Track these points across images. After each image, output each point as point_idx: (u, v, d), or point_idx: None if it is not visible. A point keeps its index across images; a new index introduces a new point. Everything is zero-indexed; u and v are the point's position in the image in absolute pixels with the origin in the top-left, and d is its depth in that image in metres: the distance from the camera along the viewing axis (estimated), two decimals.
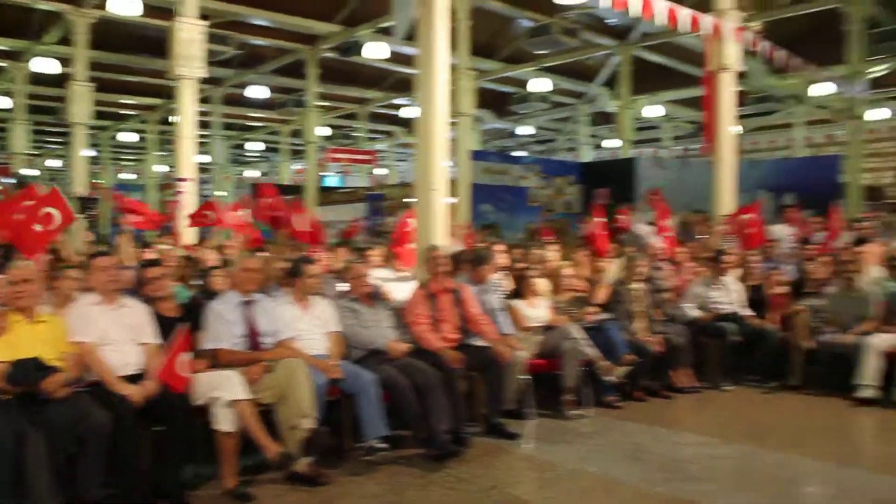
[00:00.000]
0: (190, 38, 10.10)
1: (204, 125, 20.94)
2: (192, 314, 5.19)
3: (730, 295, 7.98)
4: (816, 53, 15.04)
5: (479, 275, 6.46)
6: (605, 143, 26.65)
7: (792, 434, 6.29)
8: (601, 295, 7.31)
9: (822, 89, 17.68)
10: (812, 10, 15.63)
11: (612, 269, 7.81)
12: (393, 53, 17.28)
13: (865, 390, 6.88)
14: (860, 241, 8.81)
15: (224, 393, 4.60)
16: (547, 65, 19.67)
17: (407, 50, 14.47)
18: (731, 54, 11.05)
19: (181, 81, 10.24)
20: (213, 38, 13.32)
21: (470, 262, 6.54)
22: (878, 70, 17.23)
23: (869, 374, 6.88)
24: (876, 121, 20.10)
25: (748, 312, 7.93)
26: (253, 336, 5.15)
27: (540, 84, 20.81)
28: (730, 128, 11.09)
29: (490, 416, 5.91)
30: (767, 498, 4.68)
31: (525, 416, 6.21)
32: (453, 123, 13.05)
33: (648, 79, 19.67)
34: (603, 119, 23.63)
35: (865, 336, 7.02)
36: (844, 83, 15.97)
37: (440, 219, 7.10)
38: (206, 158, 26.57)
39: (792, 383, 7.47)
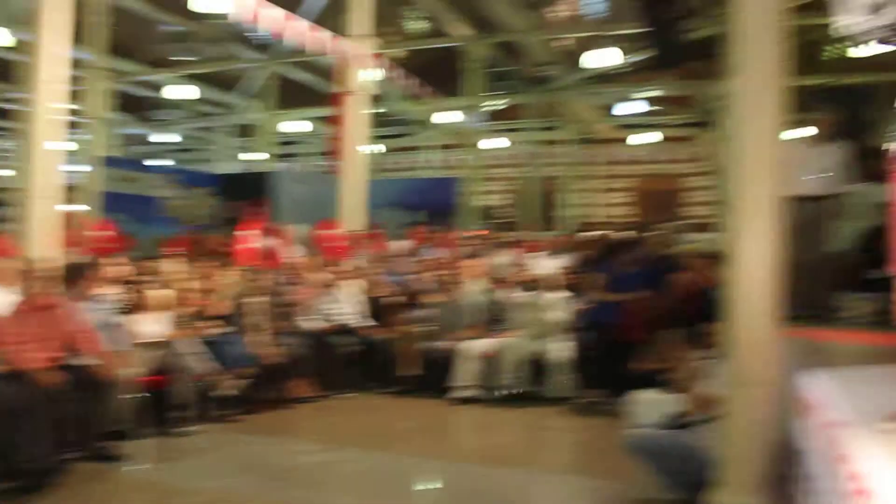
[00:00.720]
0: None
1: None
2: None
3: (350, 306, 8.41)
4: (444, 84, 16.48)
5: (85, 288, 6.07)
6: (249, 156, 26.48)
7: (400, 435, 6.80)
8: (222, 308, 7.26)
9: (448, 117, 19.36)
10: (441, 46, 17.09)
11: (235, 281, 7.79)
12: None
13: (465, 391, 7.66)
14: (469, 256, 9.74)
15: None
16: (192, 72, 19.15)
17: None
18: (364, 78, 11.64)
19: None
20: None
21: (77, 276, 6.12)
22: (497, 104, 19.31)
23: (468, 375, 7.66)
24: (495, 148, 22.37)
25: (367, 323, 8.41)
26: None
27: (184, 91, 20.15)
28: (360, 147, 11.64)
29: (93, 439, 5.56)
30: (372, 496, 4.99)
31: (135, 437, 5.92)
32: (75, 124, 12.13)
33: (294, 94, 20.00)
34: (247, 131, 23.52)
35: (466, 341, 7.81)
36: (466, 113, 17.64)
37: (48, 229, 6.57)
38: None
39: (403, 388, 8.05)
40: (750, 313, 4.29)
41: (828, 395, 3.31)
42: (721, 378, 4.42)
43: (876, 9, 2.35)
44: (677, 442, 4.43)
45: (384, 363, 8.18)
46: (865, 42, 2.61)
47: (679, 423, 4.59)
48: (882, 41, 2.55)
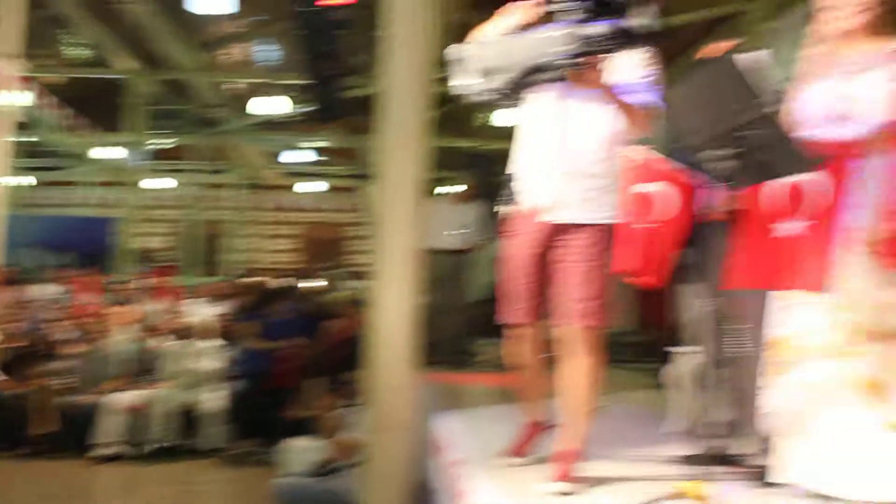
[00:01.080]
0: None
1: None
2: None
3: None
4: (106, 118, 15.45)
5: None
6: None
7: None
8: None
9: (108, 153, 18.16)
10: (102, 77, 16.03)
11: None
12: None
13: (109, 447, 7.14)
14: (119, 302, 9.17)
15: None
16: None
17: None
18: (8, 101, 10.53)
19: None
20: None
21: None
22: (163, 143, 18.49)
23: (112, 431, 7.16)
24: (158, 189, 21.36)
25: None
26: None
27: None
28: None
29: None
30: None
31: None
32: None
33: None
34: None
35: (111, 394, 7.30)
36: (128, 150, 16.72)
37: None
38: None
39: (36, 449, 7.26)
40: (389, 359, 4.51)
41: (454, 435, 3.57)
42: (363, 423, 4.58)
43: (487, 73, 2.61)
44: (322, 489, 4.51)
45: (14, 421, 7.32)
46: (480, 104, 2.88)
47: (325, 469, 4.68)
48: (491, 104, 2.84)
